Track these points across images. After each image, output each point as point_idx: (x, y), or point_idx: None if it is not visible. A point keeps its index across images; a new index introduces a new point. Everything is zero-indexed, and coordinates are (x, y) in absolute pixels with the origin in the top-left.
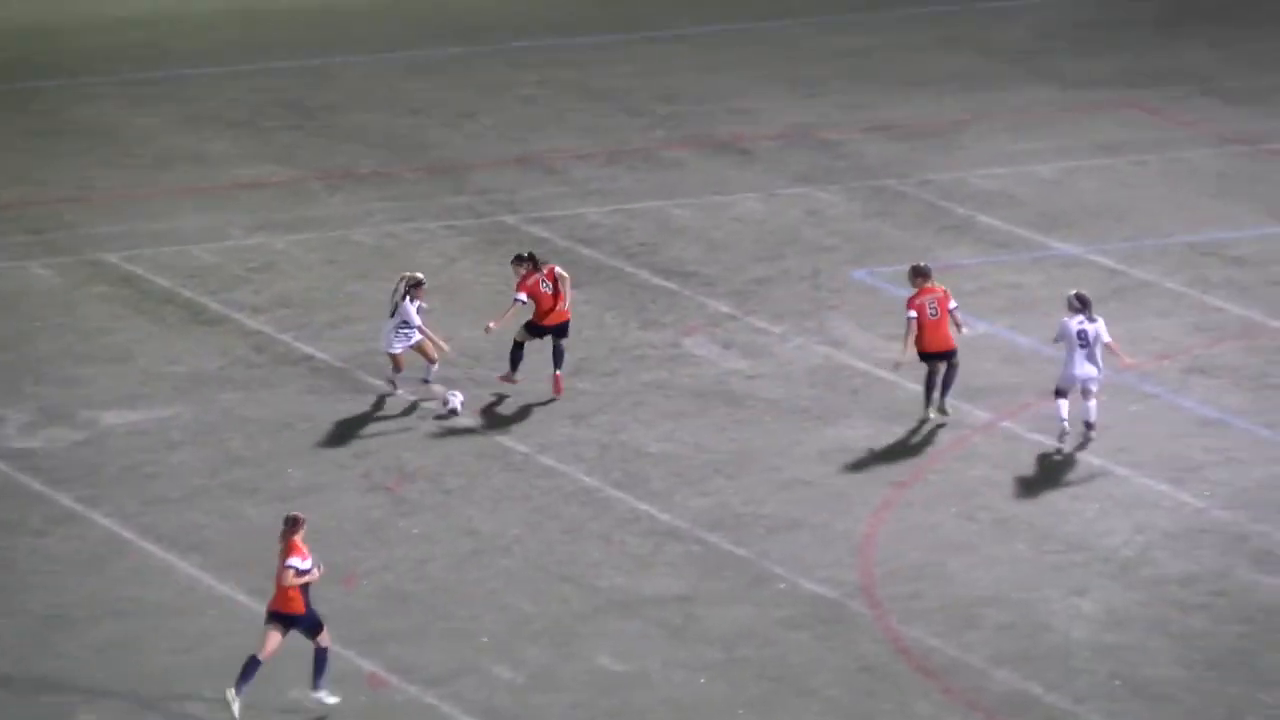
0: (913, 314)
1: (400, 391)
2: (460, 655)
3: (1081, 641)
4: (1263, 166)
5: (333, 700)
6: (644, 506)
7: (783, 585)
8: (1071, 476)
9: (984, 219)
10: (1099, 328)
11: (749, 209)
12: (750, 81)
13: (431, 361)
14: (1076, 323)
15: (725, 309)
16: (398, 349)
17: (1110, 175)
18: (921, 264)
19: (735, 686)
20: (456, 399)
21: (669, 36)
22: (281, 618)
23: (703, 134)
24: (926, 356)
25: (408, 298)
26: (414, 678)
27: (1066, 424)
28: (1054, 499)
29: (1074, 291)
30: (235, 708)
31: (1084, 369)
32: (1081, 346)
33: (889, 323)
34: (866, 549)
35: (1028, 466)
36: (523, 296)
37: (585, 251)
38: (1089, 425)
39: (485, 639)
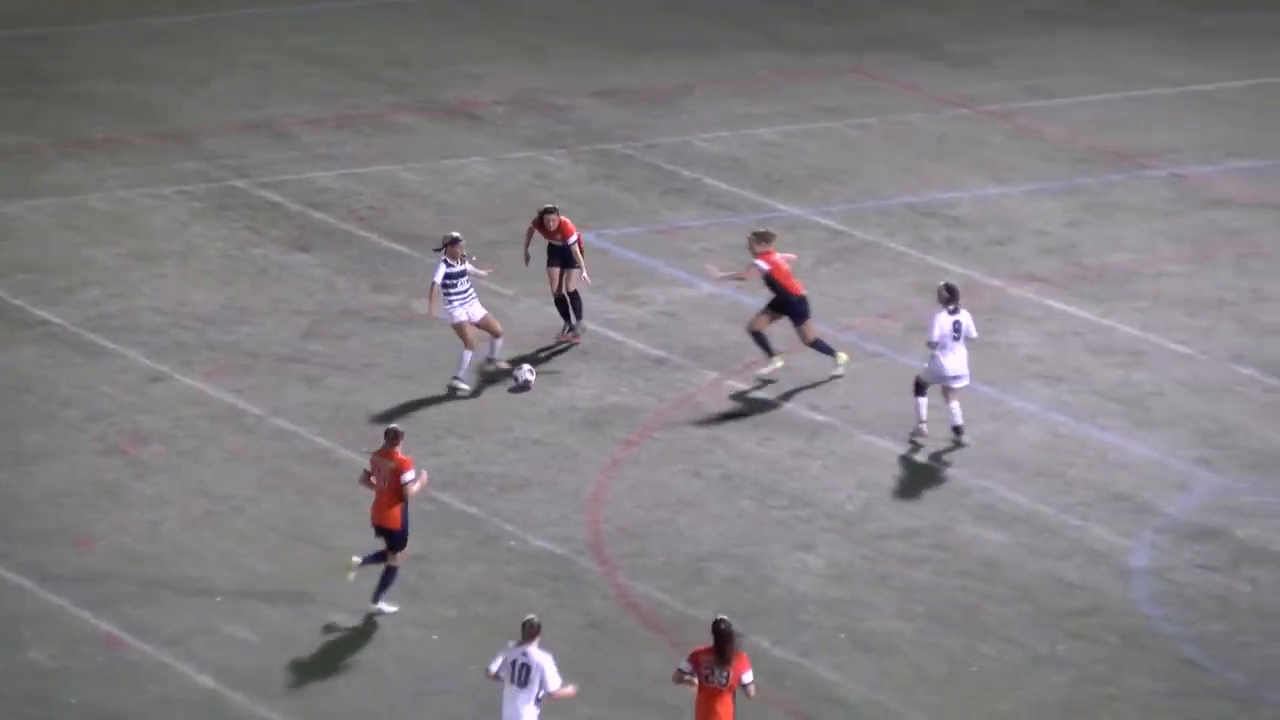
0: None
1: (499, 362)
2: (195, 615)
3: (807, 595)
4: (982, 129)
5: (391, 609)
6: None
7: (513, 543)
8: (796, 434)
9: (709, 181)
10: (968, 319)
11: (478, 173)
12: (479, 47)
13: (496, 336)
14: (950, 315)
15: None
16: (457, 318)
17: (833, 138)
18: (762, 229)
19: (468, 643)
20: (528, 372)
21: (399, 3)
22: (380, 530)
23: (432, 99)
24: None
25: (443, 255)
26: (149, 638)
27: (925, 426)
28: (779, 456)
29: (943, 283)
30: (353, 575)
31: (956, 364)
32: (955, 339)
33: (618, 284)
34: (595, 506)
35: (753, 424)
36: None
37: (316, 215)
38: (958, 430)
39: (220, 599)
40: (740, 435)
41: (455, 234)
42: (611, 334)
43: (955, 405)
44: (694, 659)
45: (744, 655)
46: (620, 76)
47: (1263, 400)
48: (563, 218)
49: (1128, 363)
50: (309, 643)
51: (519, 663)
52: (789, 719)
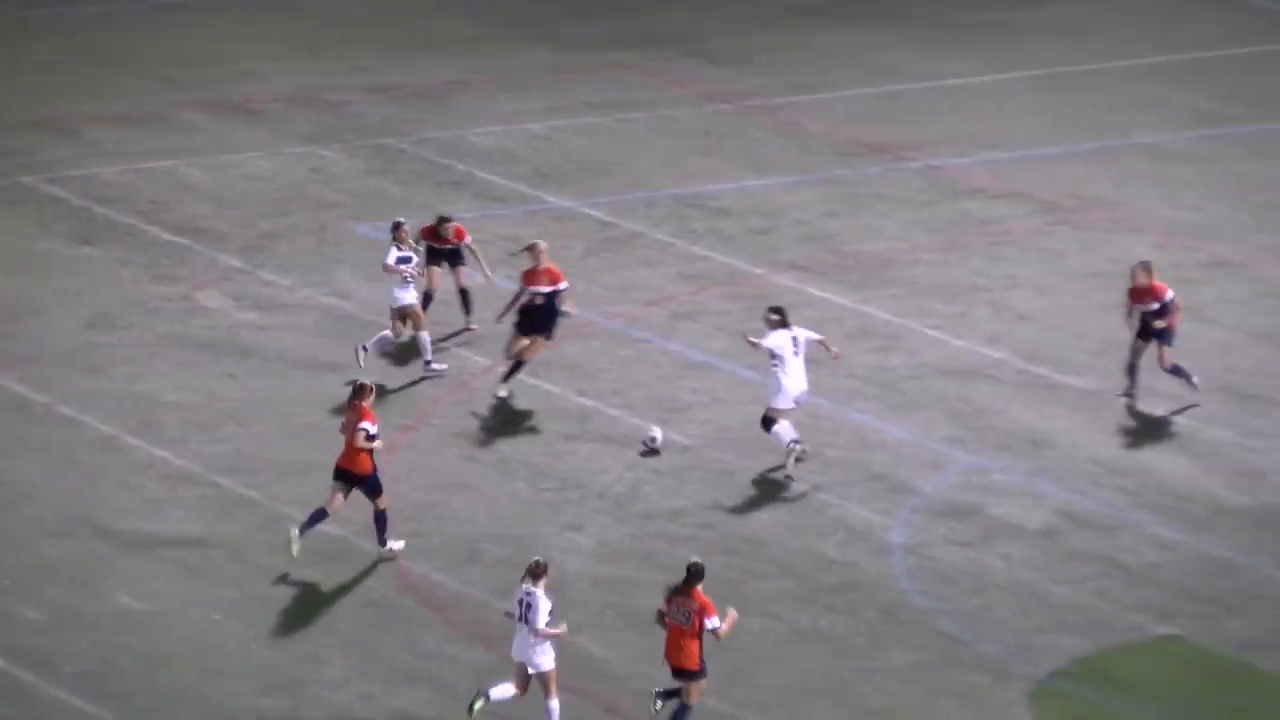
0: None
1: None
2: None
3: (577, 574)
4: (744, 123)
5: (399, 545)
6: (160, 453)
7: (294, 526)
8: (566, 418)
9: (481, 174)
10: (803, 333)
11: (257, 167)
12: (258, 46)
13: (418, 329)
14: (787, 335)
15: (236, 263)
16: (405, 300)
17: (600, 132)
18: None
19: (249, 623)
20: (657, 434)
21: (181, 2)
22: (348, 476)
23: (213, 97)
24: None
25: (393, 240)
26: None
27: (795, 442)
28: (550, 440)
29: (769, 306)
30: (295, 548)
31: (800, 383)
32: (795, 354)
33: (393, 275)
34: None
35: (525, 410)
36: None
37: (100, 210)
38: (796, 442)
39: (8, 581)
40: (512, 420)
41: (400, 219)
42: (385, 321)
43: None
44: (667, 600)
45: (708, 601)
46: (394, 74)
47: (1014, 382)
48: (456, 224)
49: (884, 347)
50: (95, 623)
51: (524, 600)
52: (559, 693)
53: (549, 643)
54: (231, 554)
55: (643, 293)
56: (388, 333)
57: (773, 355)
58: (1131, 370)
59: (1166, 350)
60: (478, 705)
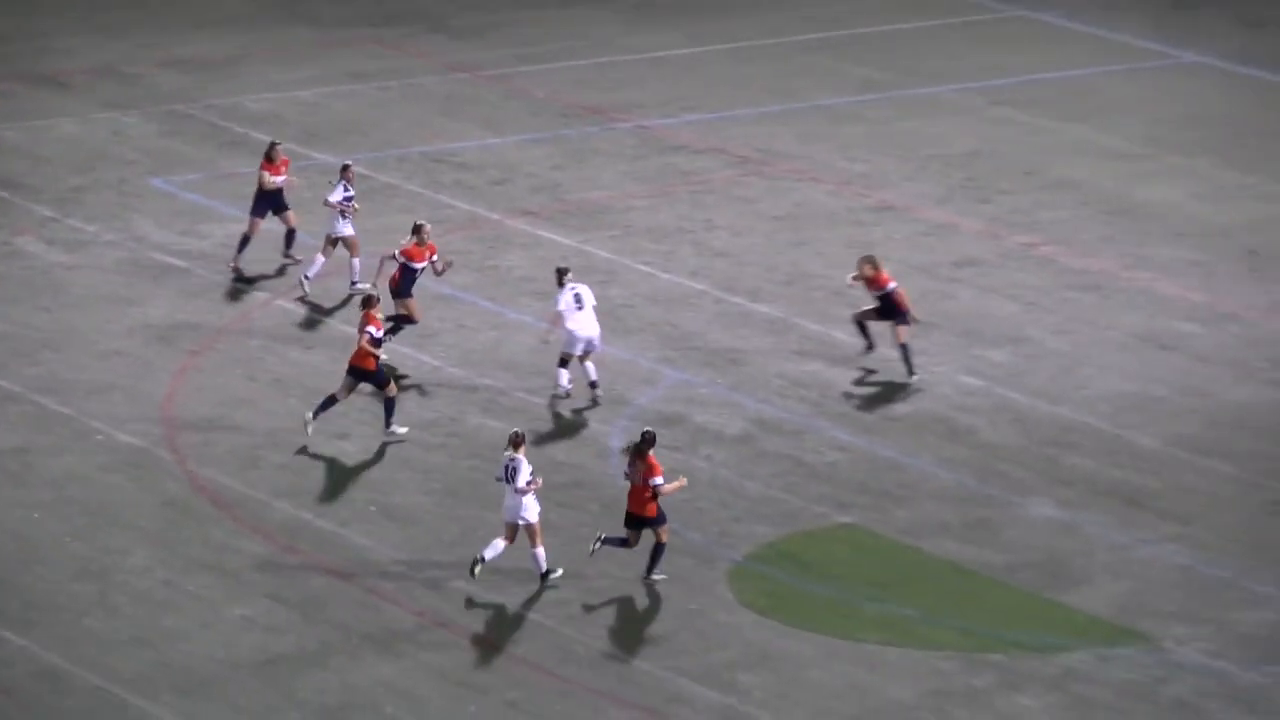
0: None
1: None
2: None
3: (345, 476)
4: (480, 90)
5: (403, 430)
6: None
7: (100, 437)
8: (334, 344)
9: (256, 135)
10: (587, 290)
11: (66, 131)
12: (66, 23)
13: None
14: (571, 289)
15: (49, 213)
16: (346, 231)
17: (359, 98)
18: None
19: (65, 521)
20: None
21: None
22: (356, 371)
23: (27, 70)
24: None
25: (342, 180)
26: None
27: (568, 387)
28: (319, 361)
29: (558, 266)
30: (310, 428)
31: (590, 329)
32: (579, 309)
33: (182, 221)
34: (168, 406)
35: (298, 336)
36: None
37: None
38: (594, 385)
39: None
40: (287, 345)
41: (348, 161)
42: (177, 262)
43: (590, 365)
44: (629, 463)
45: (656, 464)
46: (182, 49)
47: (714, 310)
48: (285, 157)
49: (604, 280)
50: None
51: (509, 465)
52: (327, 577)
53: (531, 497)
54: (48, 461)
55: (398, 235)
56: (321, 256)
57: (563, 311)
58: (860, 326)
59: (901, 329)
60: (477, 569)
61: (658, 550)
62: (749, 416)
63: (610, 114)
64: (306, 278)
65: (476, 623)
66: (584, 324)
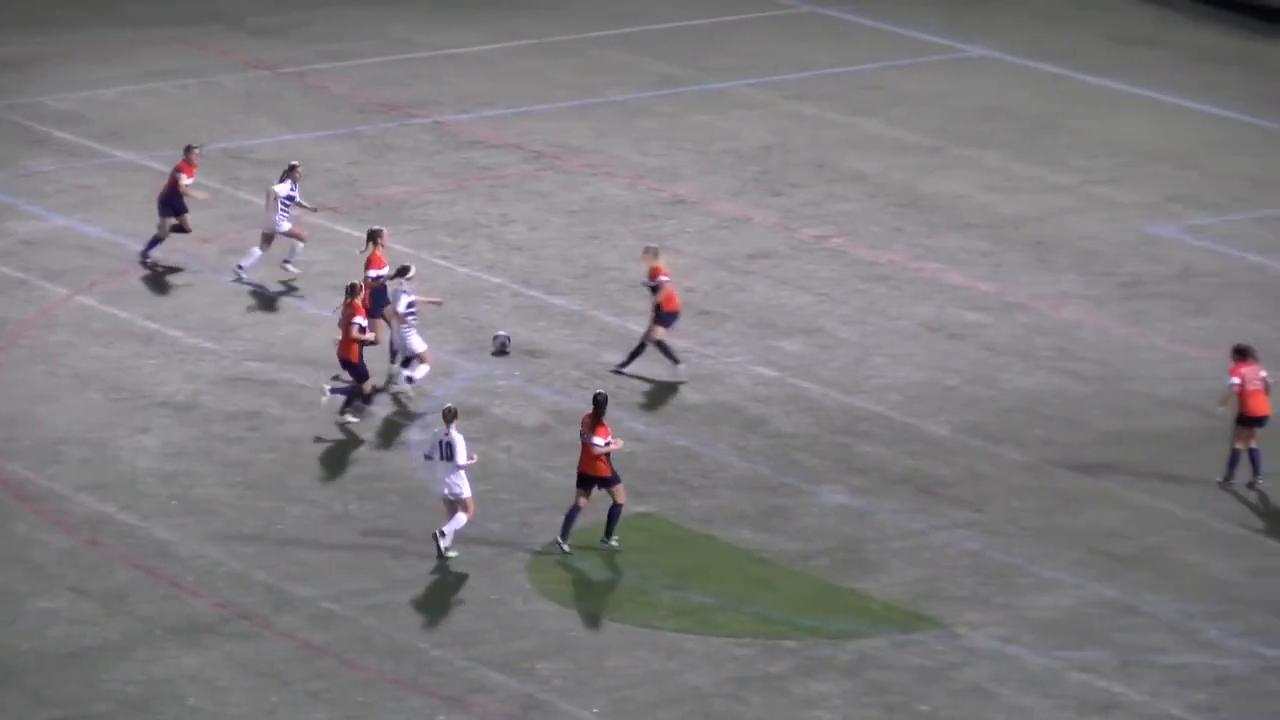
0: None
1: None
2: None
3: (146, 470)
4: (280, 86)
5: (355, 420)
6: None
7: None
8: (134, 339)
9: (59, 134)
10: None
11: None
12: None
13: (300, 240)
14: (403, 289)
15: None
16: (286, 228)
17: (159, 96)
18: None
19: None
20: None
21: None
22: (343, 362)
23: None
24: None
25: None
26: None
27: (409, 380)
28: (120, 356)
29: (401, 265)
30: (325, 399)
31: (413, 336)
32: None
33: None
34: None
35: (99, 332)
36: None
37: None
38: (412, 380)
39: None
40: (89, 341)
41: (294, 162)
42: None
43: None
44: (582, 421)
45: (602, 427)
46: None
47: (510, 304)
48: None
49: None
50: None
51: (444, 441)
52: (130, 570)
53: (465, 473)
54: None
55: (199, 231)
56: (257, 250)
57: (409, 309)
58: (662, 349)
59: (657, 329)
60: (453, 554)
61: (614, 511)
62: (547, 408)
63: (407, 110)
64: (241, 267)
65: (279, 614)
66: (412, 332)
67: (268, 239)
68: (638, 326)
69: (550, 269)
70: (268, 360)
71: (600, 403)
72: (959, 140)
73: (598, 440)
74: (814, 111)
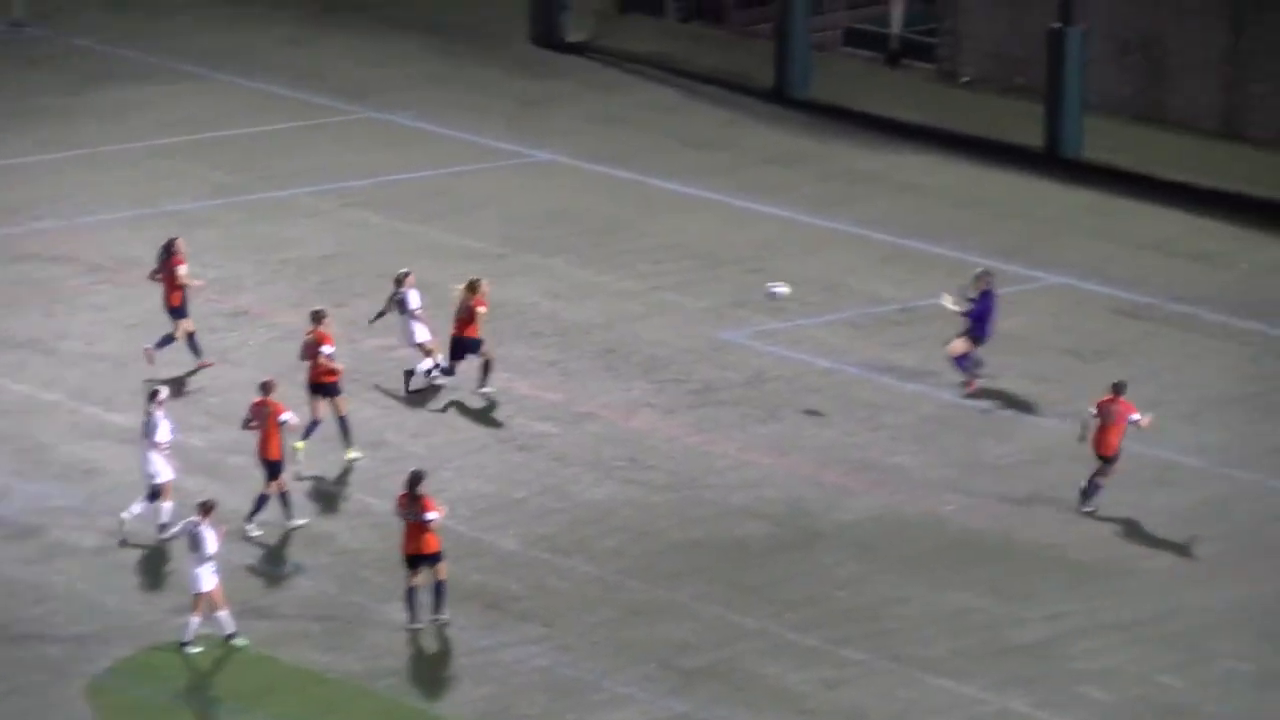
0: None
1: None
2: None
3: None
4: None
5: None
6: None
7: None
8: None
9: None
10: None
11: None
12: None
13: None
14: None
15: None
16: None
17: None
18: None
19: None
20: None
21: None
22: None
23: None
24: None
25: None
26: None
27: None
28: None
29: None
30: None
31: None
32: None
33: None
34: None
35: None
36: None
37: None
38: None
39: None
40: None
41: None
42: None
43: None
44: (399, 502)
45: (429, 499)
46: None
47: (67, 421)
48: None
49: None
50: None
51: (193, 533)
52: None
53: (212, 568)
54: None
55: None
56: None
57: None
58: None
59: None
60: (241, 643)
61: (442, 588)
62: (107, 528)
63: None
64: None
65: None
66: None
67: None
68: (201, 443)
69: (108, 384)
70: None
71: (418, 478)
72: (524, 246)
73: (433, 515)
74: (378, 219)
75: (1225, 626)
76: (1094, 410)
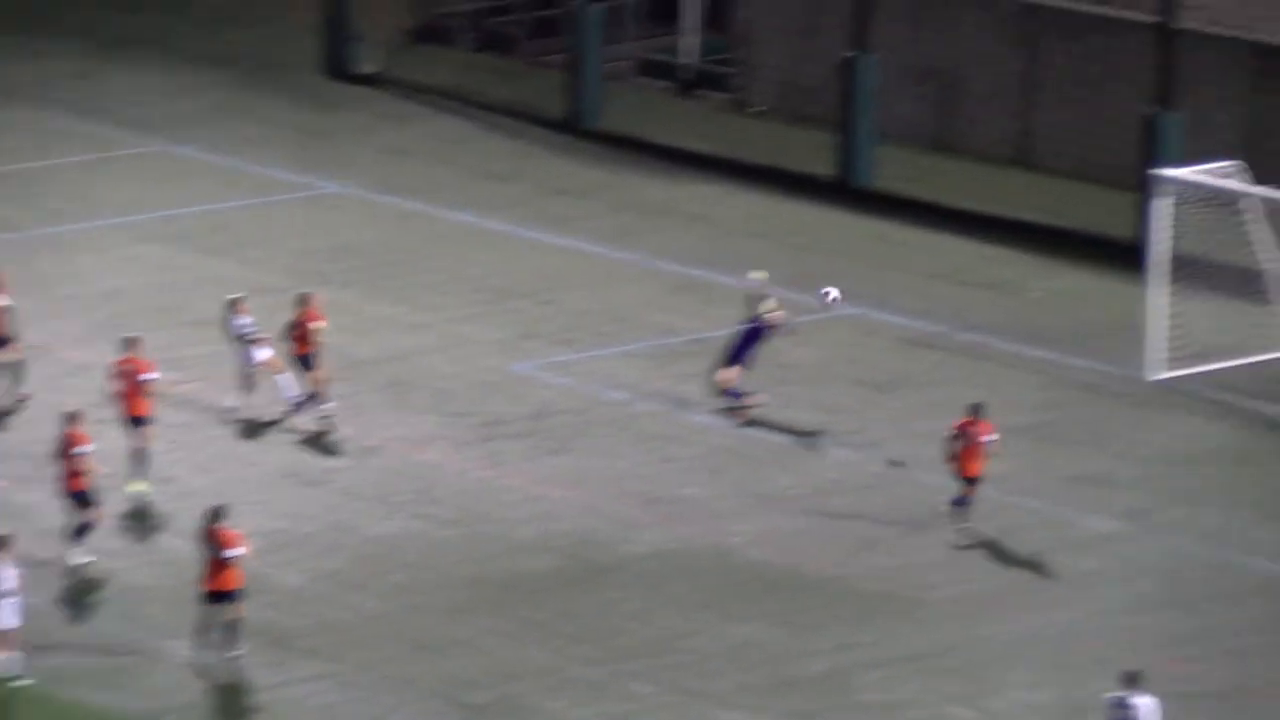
0: None
1: None
2: None
3: None
4: None
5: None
6: None
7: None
8: None
9: None
10: None
11: None
12: None
13: None
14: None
15: None
16: None
17: None
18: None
19: None
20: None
21: None
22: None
23: None
24: None
25: None
26: None
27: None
28: None
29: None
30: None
31: None
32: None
33: None
34: None
35: None
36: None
37: None
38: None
39: None
40: None
41: None
42: None
43: None
44: (205, 538)
45: (231, 534)
46: None
47: None
48: None
49: None
50: None
51: None
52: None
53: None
54: None
55: None
56: None
57: None
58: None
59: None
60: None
61: (236, 625)
62: None
63: None
64: None
65: None
66: None
67: None
68: None
69: None
70: None
71: (219, 513)
72: (313, 280)
73: (235, 551)
74: (163, 253)
75: (1016, 656)
76: (954, 433)
